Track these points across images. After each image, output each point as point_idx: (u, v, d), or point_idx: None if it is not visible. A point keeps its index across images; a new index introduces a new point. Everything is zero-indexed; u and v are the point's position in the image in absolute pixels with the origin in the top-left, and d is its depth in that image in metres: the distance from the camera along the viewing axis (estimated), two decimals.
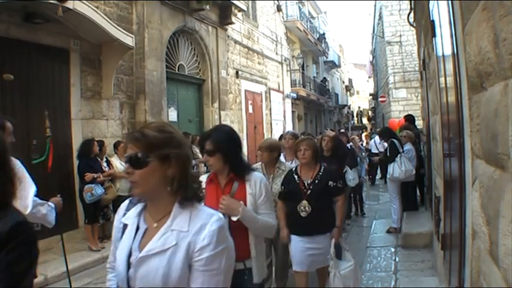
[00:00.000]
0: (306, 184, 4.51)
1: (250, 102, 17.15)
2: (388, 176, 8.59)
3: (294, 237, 4.57)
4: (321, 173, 4.57)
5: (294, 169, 4.70)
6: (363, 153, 11.54)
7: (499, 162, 1.76)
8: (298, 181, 4.53)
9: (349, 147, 9.39)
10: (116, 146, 8.69)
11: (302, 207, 4.43)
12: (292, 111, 23.75)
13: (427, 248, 6.91)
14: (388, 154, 8.52)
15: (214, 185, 3.13)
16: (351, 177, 8.42)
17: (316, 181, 4.51)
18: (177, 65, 12.20)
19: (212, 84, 13.54)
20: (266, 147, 4.91)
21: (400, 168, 8.11)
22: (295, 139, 5.69)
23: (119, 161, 8.36)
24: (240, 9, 14.90)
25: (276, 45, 20.99)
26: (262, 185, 3.11)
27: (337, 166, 6.34)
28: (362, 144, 15.08)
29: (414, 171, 8.42)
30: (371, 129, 39.63)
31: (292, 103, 23.37)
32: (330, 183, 4.52)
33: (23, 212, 1.89)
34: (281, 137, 7.92)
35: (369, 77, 55.31)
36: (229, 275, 1.82)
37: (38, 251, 1.76)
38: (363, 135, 25.01)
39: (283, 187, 4.59)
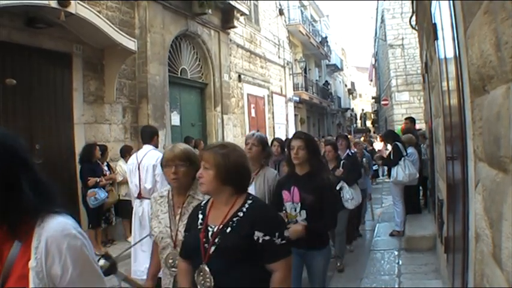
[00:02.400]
0: (209, 234, 2.41)
1: (252, 106, 17.17)
2: (391, 180, 8.56)
3: None
4: (241, 214, 2.41)
5: (203, 203, 2.67)
6: (365, 160, 9.53)
7: (501, 165, 1.75)
8: (200, 226, 2.49)
9: (351, 153, 7.66)
10: (123, 150, 8.69)
11: (201, 278, 2.36)
12: (295, 115, 23.76)
13: (431, 251, 6.89)
14: (392, 157, 8.50)
15: None
16: (348, 196, 6.72)
17: (228, 229, 2.37)
18: (180, 69, 12.22)
19: (215, 88, 13.56)
20: (175, 159, 2.99)
21: (404, 172, 8.09)
22: (262, 146, 4.27)
23: (126, 165, 8.39)
24: (242, 13, 14.94)
25: (279, 48, 21.02)
26: (64, 248, 1.50)
27: (314, 193, 3.87)
28: (366, 149, 13.89)
29: (418, 175, 8.42)
30: (374, 133, 39.55)
31: (294, 107, 23.38)
32: (257, 235, 2.32)
33: None
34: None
35: (370, 80, 55.33)
36: None
37: None
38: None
39: (184, 235, 2.68)
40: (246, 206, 2.45)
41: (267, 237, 2.34)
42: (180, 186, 3.02)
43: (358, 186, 7.15)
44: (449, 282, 4.32)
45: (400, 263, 6.78)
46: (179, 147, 3.06)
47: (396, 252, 7.35)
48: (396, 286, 5.81)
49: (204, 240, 2.40)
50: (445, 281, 4.88)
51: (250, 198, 2.53)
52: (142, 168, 5.53)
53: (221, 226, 2.40)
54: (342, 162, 7.01)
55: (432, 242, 6.99)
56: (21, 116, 7.46)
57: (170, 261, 2.93)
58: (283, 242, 2.40)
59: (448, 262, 4.47)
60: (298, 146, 3.93)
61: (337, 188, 6.61)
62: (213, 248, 2.35)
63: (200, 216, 2.55)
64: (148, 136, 5.91)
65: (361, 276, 6.36)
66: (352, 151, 8.37)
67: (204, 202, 2.67)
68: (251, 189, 3.79)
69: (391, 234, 8.46)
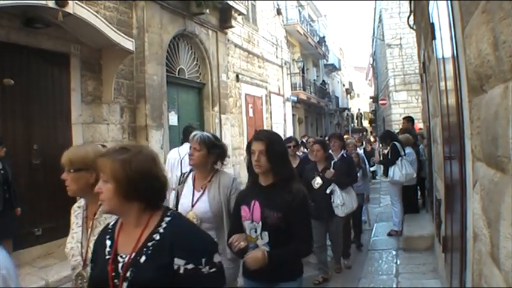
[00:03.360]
0: (119, 265, 1.89)
1: (250, 105, 17.16)
2: (388, 179, 8.57)
3: None
4: (157, 237, 1.91)
5: (111, 224, 2.13)
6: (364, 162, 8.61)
7: (499, 165, 1.75)
8: (108, 256, 1.95)
9: (346, 155, 6.98)
10: None
11: None
12: (293, 115, 23.76)
13: (429, 251, 6.90)
14: (389, 157, 8.51)
15: None
16: (339, 201, 5.99)
17: (142, 258, 1.87)
18: (178, 69, 12.20)
19: (212, 88, 13.54)
20: (65, 163, 2.58)
21: (401, 172, 8.10)
22: (206, 148, 3.62)
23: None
24: (240, 13, 14.92)
25: (276, 48, 21.01)
26: None
27: (281, 209, 3.02)
28: (365, 149, 13.06)
29: (415, 175, 8.43)
30: (371, 132, 39.60)
31: (292, 106, 23.37)
32: (178, 263, 1.84)
33: None
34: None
35: (369, 80, 55.39)
36: None
37: None
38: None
39: (90, 266, 2.17)
40: (163, 225, 1.93)
41: (191, 266, 1.83)
42: (79, 195, 2.63)
43: (353, 190, 6.44)
44: (447, 282, 4.32)
45: (398, 262, 6.78)
46: (71, 151, 2.67)
47: (394, 252, 7.35)
48: (394, 286, 5.82)
49: (114, 274, 1.86)
50: (443, 280, 4.89)
51: (169, 214, 1.99)
52: (184, 163, 6.04)
53: (133, 255, 1.88)
54: (332, 162, 6.31)
55: (430, 241, 6.99)
56: (19, 116, 7.44)
57: (80, 285, 2.42)
58: (213, 270, 1.87)
59: (446, 262, 4.47)
60: (259, 150, 3.04)
61: (327, 191, 6.03)
62: (124, 285, 1.83)
63: (108, 242, 2.00)
64: (189, 135, 6.47)
65: (359, 276, 6.37)
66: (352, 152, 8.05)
67: (112, 223, 2.11)
68: (204, 201, 3.48)
69: (389, 234, 8.47)
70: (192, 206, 3.49)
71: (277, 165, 3.05)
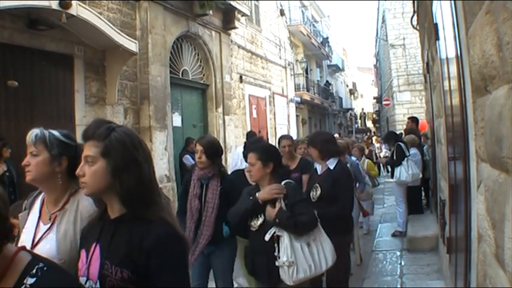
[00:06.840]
0: None
1: (254, 106, 17.17)
2: (394, 180, 8.54)
3: None
4: None
5: None
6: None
7: (503, 166, 1.75)
8: None
9: (331, 167, 4.44)
10: None
11: None
12: (297, 116, 23.75)
13: (433, 252, 6.89)
14: (394, 157, 8.49)
15: None
16: (285, 257, 3.16)
17: None
18: (181, 70, 12.22)
19: (216, 89, 13.56)
20: None
21: (407, 172, 8.09)
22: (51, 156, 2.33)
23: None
24: (243, 14, 14.93)
25: (280, 49, 21.01)
26: None
27: (128, 261, 1.71)
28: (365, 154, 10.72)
29: (421, 175, 8.42)
30: (374, 133, 39.47)
31: (296, 107, 23.37)
32: None
33: None
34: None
35: (372, 81, 55.37)
36: None
37: None
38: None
39: None
40: None
41: None
42: None
43: (326, 236, 3.45)
44: (451, 283, 4.31)
45: (403, 263, 6.78)
46: None
47: (398, 253, 7.35)
48: (398, 287, 5.81)
49: None
50: (448, 281, 4.87)
51: (34, 272, 1.31)
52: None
53: None
54: (284, 183, 3.48)
55: (434, 242, 6.98)
56: (23, 117, 7.46)
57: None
58: None
59: (451, 263, 4.46)
60: (91, 156, 1.79)
61: (267, 238, 3.27)
62: None
63: None
64: (251, 136, 8.98)
65: (364, 276, 6.36)
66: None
67: None
68: (50, 240, 2.19)
69: (393, 235, 8.46)
70: (33, 246, 2.18)
71: (125, 183, 1.73)
